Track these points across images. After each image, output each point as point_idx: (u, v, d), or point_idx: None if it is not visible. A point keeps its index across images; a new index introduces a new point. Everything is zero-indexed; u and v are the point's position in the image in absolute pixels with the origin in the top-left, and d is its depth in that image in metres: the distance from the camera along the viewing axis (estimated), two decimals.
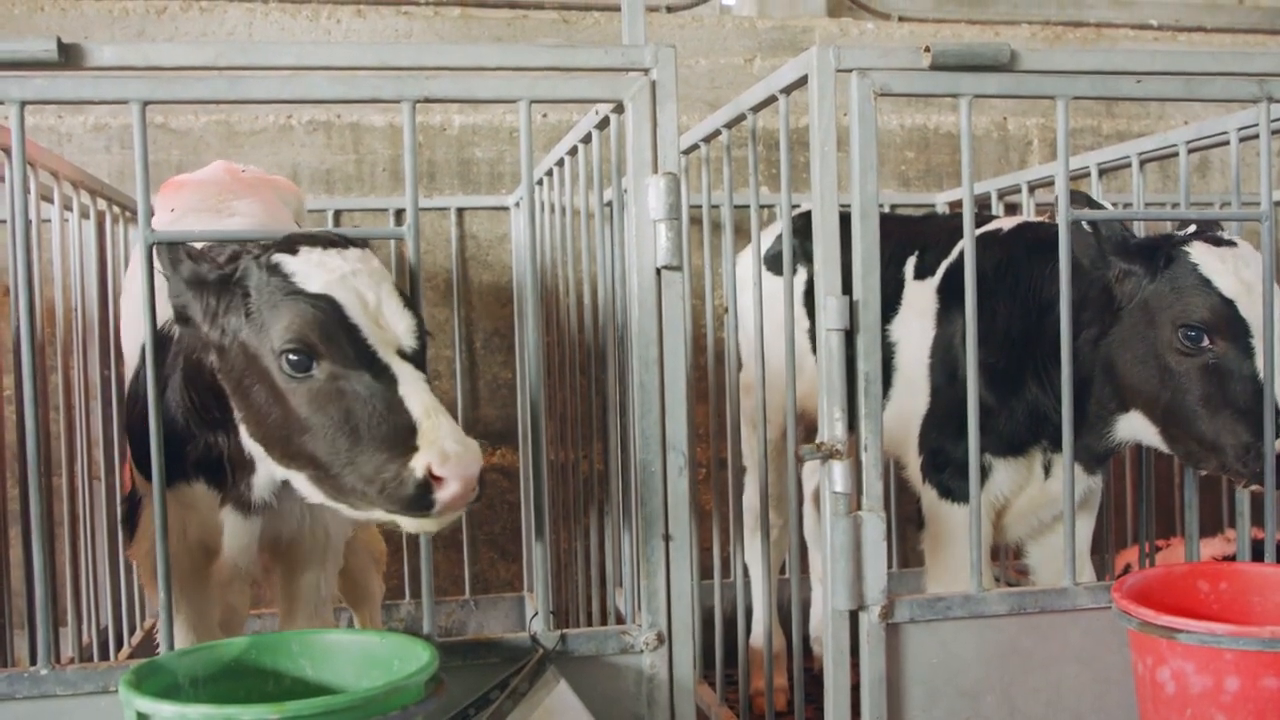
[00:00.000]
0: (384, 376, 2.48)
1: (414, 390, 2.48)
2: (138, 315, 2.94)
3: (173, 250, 2.63)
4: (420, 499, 2.38)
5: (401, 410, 2.44)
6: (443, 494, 2.37)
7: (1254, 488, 3.19)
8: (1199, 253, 3.18)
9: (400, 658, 2.49)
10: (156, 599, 3.04)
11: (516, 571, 5.37)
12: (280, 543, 3.21)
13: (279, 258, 2.57)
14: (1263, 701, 2.49)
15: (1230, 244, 3.21)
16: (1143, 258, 3.22)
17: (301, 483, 2.59)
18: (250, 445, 2.69)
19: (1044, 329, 3.36)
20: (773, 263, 4.08)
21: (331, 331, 2.49)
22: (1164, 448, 3.31)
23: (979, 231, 3.69)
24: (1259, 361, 3.09)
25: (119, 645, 4.30)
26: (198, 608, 3.14)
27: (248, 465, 2.81)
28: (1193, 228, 3.33)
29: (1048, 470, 3.52)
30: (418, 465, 2.37)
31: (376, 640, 2.62)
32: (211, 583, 3.18)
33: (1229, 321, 3.11)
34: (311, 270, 2.55)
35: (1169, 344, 3.16)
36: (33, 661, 2.67)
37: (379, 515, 2.50)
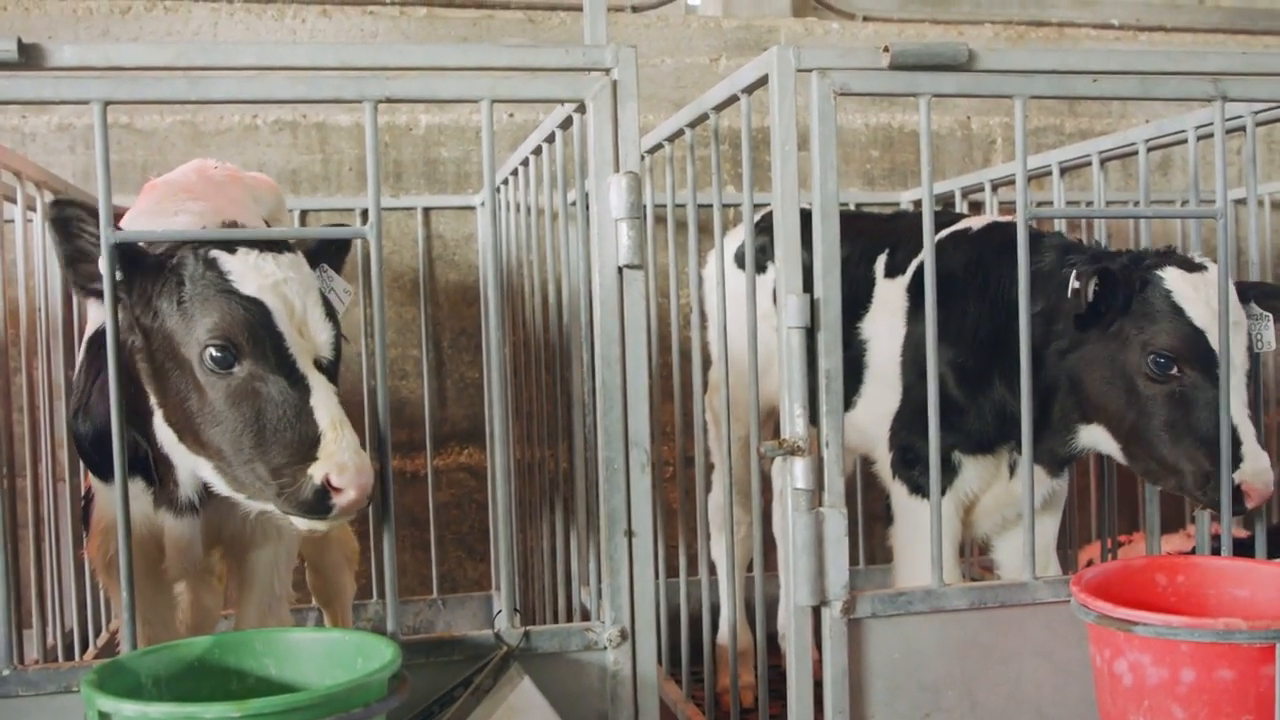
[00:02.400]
0: (299, 385, 2.60)
1: (323, 401, 2.59)
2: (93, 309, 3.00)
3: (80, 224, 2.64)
4: (317, 504, 2.53)
5: (309, 420, 2.57)
6: (340, 500, 2.52)
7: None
8: (1172, 279, 3.22)
9: (364, 656, 2.50)
10: (113, 597, 3.04)
11: (485, 571, 5.38)
12: (227, 541, 3.19)
13: (216, 254, 2.65)
14: (1217, 692, 2.52)
15: (1201, 269, 3.25)
16: (1123, 287, 3.23)
17: (207, 471, 2.69)
18: (163, 432, 2.74)
19: (1012, 330, 3.39)
20: (742, 260, 4.10)
21: (258, 335, 2.59)
22: (1123, 461, 3.37)
23: (949, 231, 3.73)
24: (1226, 390, 3.14)
25: (84, 648, 4.28)
26: (151, 605, 3.13)
27: (167, 461, 2.84)
28: (1165, 248, 3.37)
29: (1012, 470, 3.55)
30: (316, 474, 2.52)
31: (340, 638, 2.64)
32: (165, 581, 3.18)
33: (1198, 351, 3.16)
34: (247, 272, 2.63)
35: (1138, 368, 3.21)
36: None
37: (270, 508, 2.63)
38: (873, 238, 3.91)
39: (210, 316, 2.59)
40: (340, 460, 2.51)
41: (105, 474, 2.98)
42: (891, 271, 3.80)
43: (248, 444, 2.57)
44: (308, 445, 2.54)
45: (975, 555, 4.76)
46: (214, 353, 2.58)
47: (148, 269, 2.67)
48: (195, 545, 3.02)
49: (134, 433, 2.83)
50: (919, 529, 3.54)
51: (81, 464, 3.47)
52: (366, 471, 2.54)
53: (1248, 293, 3.34)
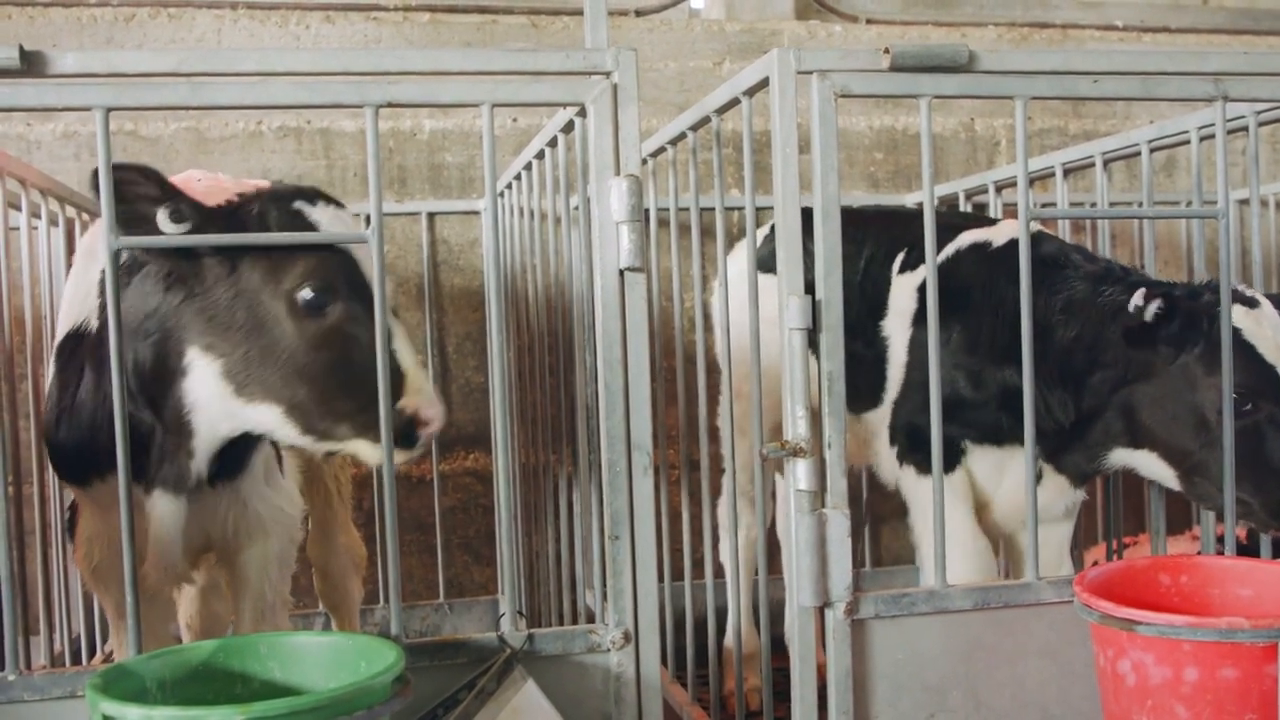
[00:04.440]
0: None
1: (403, 344, 2.76)
2: (63, 316, 3.07)
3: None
4: (407, 435, 2.73)
5: (394, 359, 2.71)
6: (424, 432, 2.75)
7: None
8: (1240, 317, 3.26)
9: (367, 659, 2.50)
10: (104, 605, 3.04)
11: (491, 575, 5.38)
12: (217, 544, 3.19)
13: (300, 205, 2.79)
14: (1220, 692, 2.52)
15: (1256, 303, 3.32)
16: (1188, 324, 3.28)
17: (271, 419, 2.74)
18: (208, 390, 2.76)
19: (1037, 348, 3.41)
20: (763, 264, 4.10)
21: (349, 279, 2.73)
22: (1171, 486, 3.42)
23: (970, 240, 3.73)
24: None
25: (91, 654, 4.30)
26: (145, 614, 3.11)
27: (185, 430, 2.84)
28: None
29: (1039, 476, 3.57)
30: (407, 407, 2.71)
31: (344, 641, 2.64)
32: (149, 590, 3.18)
33: (1271, 385, 3.23)
34: (332, 223, 2.80)
35: (1210, 404, 3.25)
36: (0, 667, 2.67)
37: (347, 447, 2.76)
38: (893, 236, 3.92)
39: (303, 262, 2.69)
40: (428, 394, 2.74)
41: (86, 477, 3.00)
42: (904, 269, 3.82)
43: (337, 384, 2.70)
44: (396, 381, 2.69)
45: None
46: (308, 295, 2.69)
47: (219, 221, 2.72)
48: (176, 542, 3.00)
49: (139, 412, 2.83)
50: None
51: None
52: (442, 407, 2.78)
53: None
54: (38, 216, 3.99)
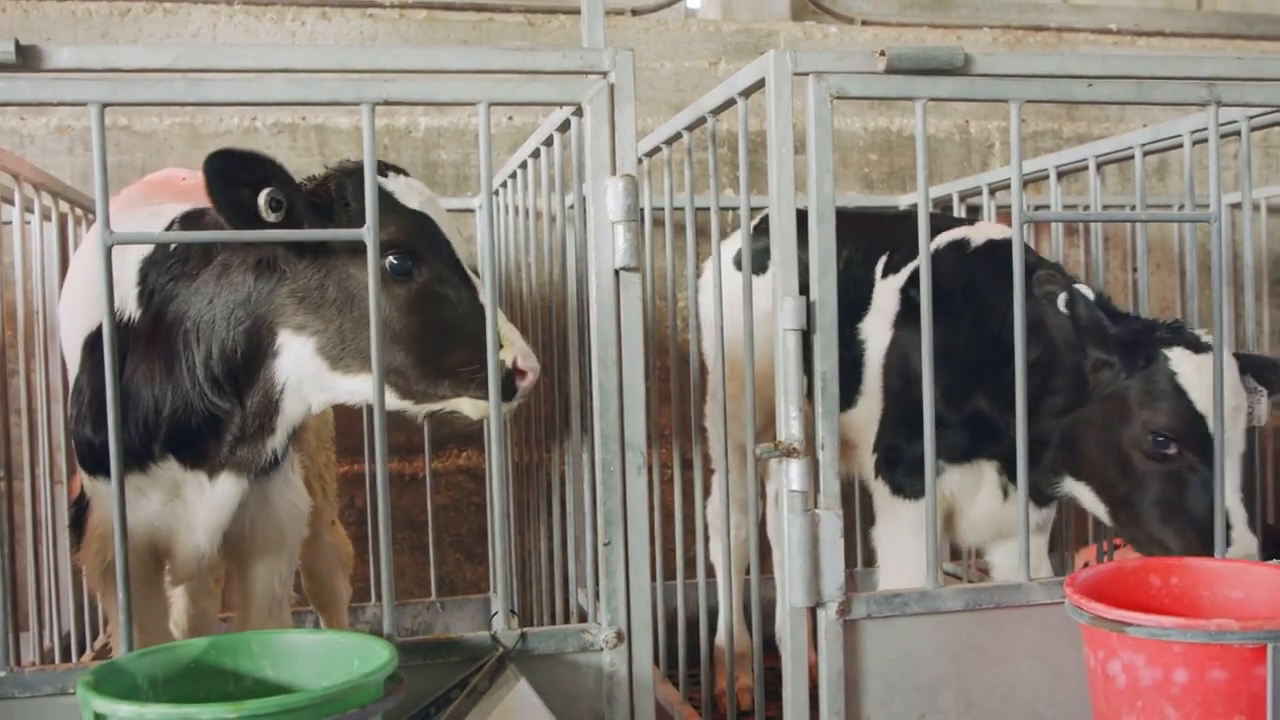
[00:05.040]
0: (468, 285, 2.86)
1: (488, 299, 2.81)
2: (84, 311, 3.03)
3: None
4: (507, 387, 2.80)
5: (484, 314, 2.77)
6: (523, 383, 2.83)
7: None
8: (1178, 359, 3.25)
9: (360, 657, 2.50)
10: (105, 604, 3.03)
11: (483, 573, 5.38)
12: (231, 541, 3.20)
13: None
14: (1210, 693, 2.52)
15: (1208, 349, 3.26)
16: (1122, 352, 3.28)
17: (370, 385, 2.74)
18: (302, 368, 2.83)
19: (1005, 361, 3.40)
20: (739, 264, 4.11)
21: (432, 241, 2.82)
22: (1107, 522, 3.44)
23: (947, 240, 3.73)
24: (1223, 476, 3.17)
25: (81, 651, 4.29)
26: (147, 611, 3.12)
27: (273, 409, 2.90)
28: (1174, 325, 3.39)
29: (1005, 493, 3.58)
30: (507, 358, 2.79)
31: (336, 640, 2.64)
32: (160, 588, 3.18)
33: (1198, 435, 3.19)
34: (408, 191, 2.86)
35: (1136, 442, 3.25)
36: None
37: (449, 405, 2.85)
38: (876, 239, 3.92)
39: (385, 230, 2.71)
40: (522, 346, 2.83)
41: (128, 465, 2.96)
42: (887, 272, 3.82)
43: (435, 343, 2.78)
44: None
45: (974, 559, 4.77)
46: (394, 261, 2.76)
47: (308, 205, 2.76)
48: (223, 527, 3.05)
49: (214, 399, 2.87)
50: (900, 529, 3.59)
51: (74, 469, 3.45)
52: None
53: (1243, 367, 3.36)
54: (30, 211, 3.98)
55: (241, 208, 2.68)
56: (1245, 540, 3.17)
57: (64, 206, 4.25)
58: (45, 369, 4.12)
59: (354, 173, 2.82)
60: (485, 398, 2.79)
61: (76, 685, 2.30)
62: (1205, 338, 3.32)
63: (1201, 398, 3.20)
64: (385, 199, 2.77)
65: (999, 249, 3.67)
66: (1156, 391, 3.23)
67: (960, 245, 3.71)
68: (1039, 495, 3.51)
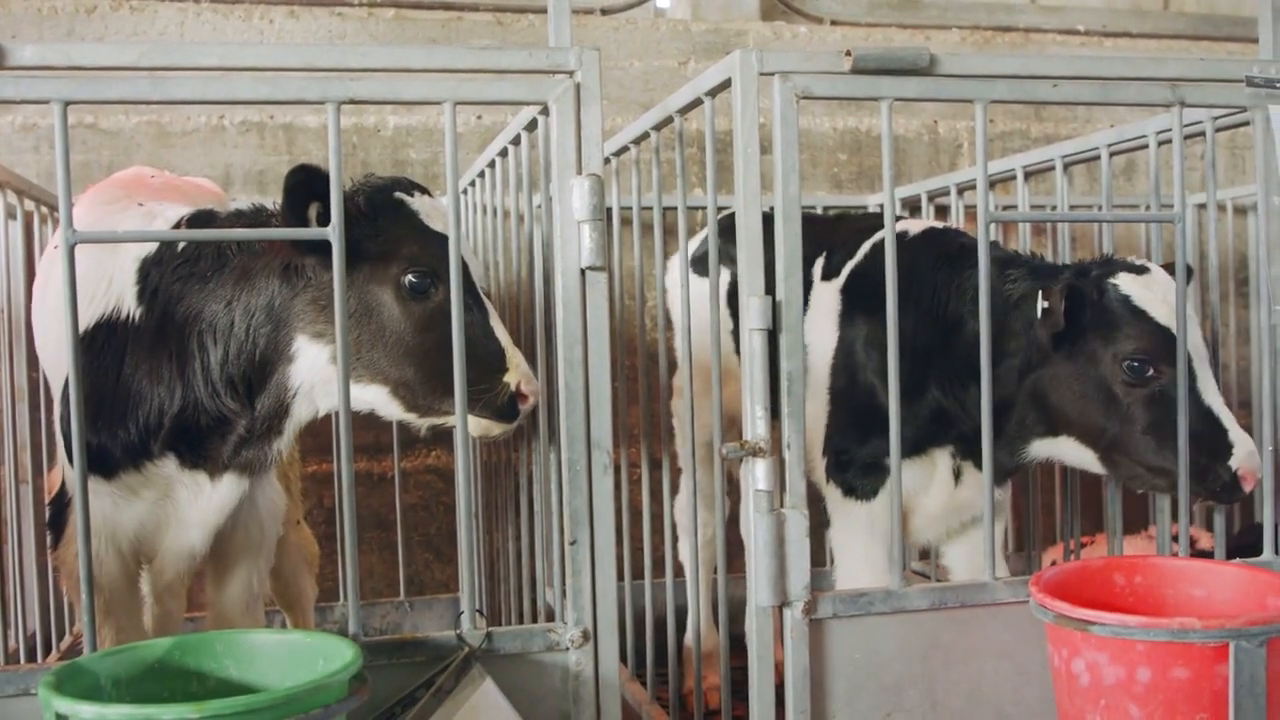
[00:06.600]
0: (480, 307, 2.91)
1: (498, 324, 2.94)
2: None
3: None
4: (510, 409, 2.88)
5: (493, 337, 2.90)
6: (524, 406, 2.90)
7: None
8: (1127, 284, 3.25)
9: (325, 657, 2.49)
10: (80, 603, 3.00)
11: (452, 573, 5.37)
12: (215, 539, 3.18)
13: (400, 195, 2.92)
14: (1172, 691, 2.54)
15: (1146, 270, 3.29)
16: (1079, 304, 3.25)
17: (379, 398, 2.88)
18: (315, 375, 2.88)
19: (950, 342, 3.41)
20: (698, 264, 4.12)
21: (450, 261, 2.79)
22: (1096, 470, 3.39)
23: (881, 235, 3.74)
24: (1201, 384, 3.18)
25: (47, 651, 4.26)
26: (125, 609, 3.12)
27: (283, 412, 2.94)
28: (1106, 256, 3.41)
29: (958, 476, 3.57)
30: (511, 382, 2.87)
31: (301, 640, 2.63)
32: (138, 585, 3.16)
33: (1170, 348, 3.18)
34: (433, 212, 2.93)
35: (1113, 376, 3.23)
36: None
37: (450, 421, 2.88)
38: (812, 241, 3.92)
39: (408, 248, 2.83)
40: (526, 370, 2.91)
41: (115, 469, 2.98)
42: (828, 275, 3.81)
43: (442, 363, 2.79)
44: (498, 358, 2.88)
45: (937, 559, 4.78)
46: (413, 279, 2.82)
47: (348, 219, 2.76)
48: (218, 526, 3.09)
49: (224, 400, 2.90)
50: (854, 530, 3.59)
51: (54, 469, 3.43)
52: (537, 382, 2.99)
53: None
54: None
55: (302, 219, 2.75)
56: (1243, 440, 3.18)
57: (29, 205, 4.22)
58: (10, 367, 4.09)
59: (381, 189, 2.90)
60: (487, 416, 2.86)
61: (39, 686, 2.28)
62: (1137, 261, 3.34)
63: (1162, 313, 3.20)
64: (410, 219, 2.87)
65: (934, 235, 3.69)
66: (1117, 320, 3.23)
67: (899, 237, 3.71)
68: (999, 470, 3.45)
